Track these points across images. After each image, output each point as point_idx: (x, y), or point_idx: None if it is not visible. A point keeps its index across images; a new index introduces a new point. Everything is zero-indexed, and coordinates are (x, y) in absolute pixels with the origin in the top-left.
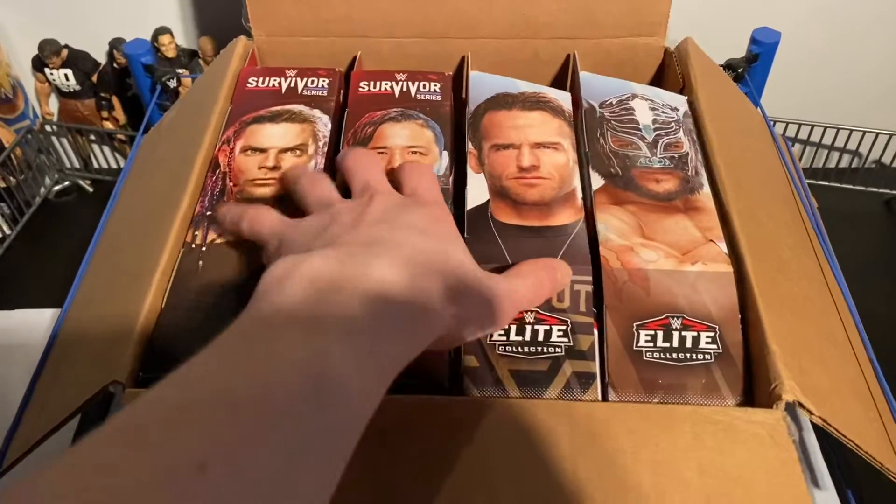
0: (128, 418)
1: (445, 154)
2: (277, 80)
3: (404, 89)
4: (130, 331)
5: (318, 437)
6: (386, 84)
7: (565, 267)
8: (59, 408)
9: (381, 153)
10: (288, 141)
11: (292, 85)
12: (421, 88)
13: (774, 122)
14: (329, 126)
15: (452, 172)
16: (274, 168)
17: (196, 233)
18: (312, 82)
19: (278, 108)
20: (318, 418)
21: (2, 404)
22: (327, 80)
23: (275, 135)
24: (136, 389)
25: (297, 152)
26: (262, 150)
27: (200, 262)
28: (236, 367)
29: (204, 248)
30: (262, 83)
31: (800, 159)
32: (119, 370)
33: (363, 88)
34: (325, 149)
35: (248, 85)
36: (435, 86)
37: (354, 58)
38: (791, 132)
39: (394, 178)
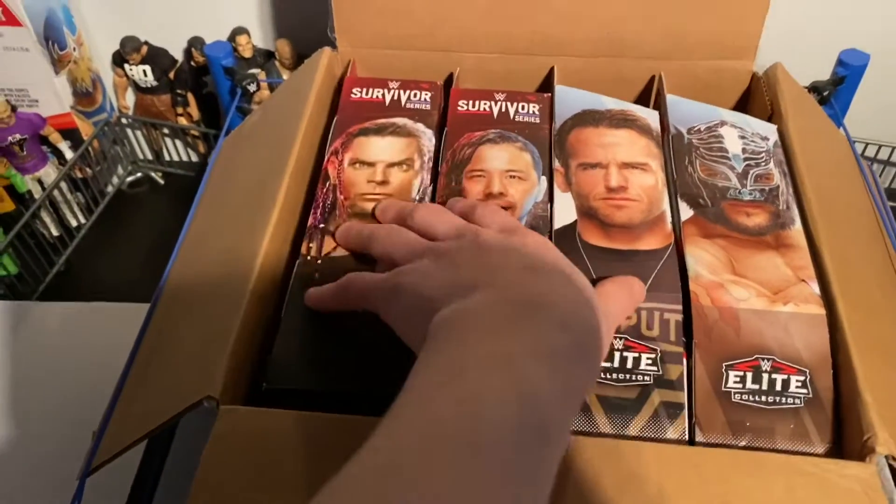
0: (368, 461)
1: (544, 179)
2: (381, 91)
3: (503, 110)
4: (224, 345)
5: (541, 466)
6: (485, 104)
7: (640, 285)
8: (150, 415)
9: (479, 176)
10: (394, 155)
11: (395, 97)
12: (520, 109)
13: (856, 142)
14: (433, 140)
15: (549, 200)
16: (382, 182)
17: (311, 245)
18: (415, 95)
19: (383, 120)
20: (538, 450)
21: (80, 396)
22: (429, 94)
23: (382, 148)
24: (232, 407)
25: (404, 167)
26: (371, 164)
27: (317, 274)
28: (452, 410)
29: (320, 261)
30: (366, 94)
31: (881, 178)
32: (213, 385)
33: (462, 108)
34: (430, 164)
35: (353, 95)
36: (534, 107)
37: (451, 74)
38: (871, 152)
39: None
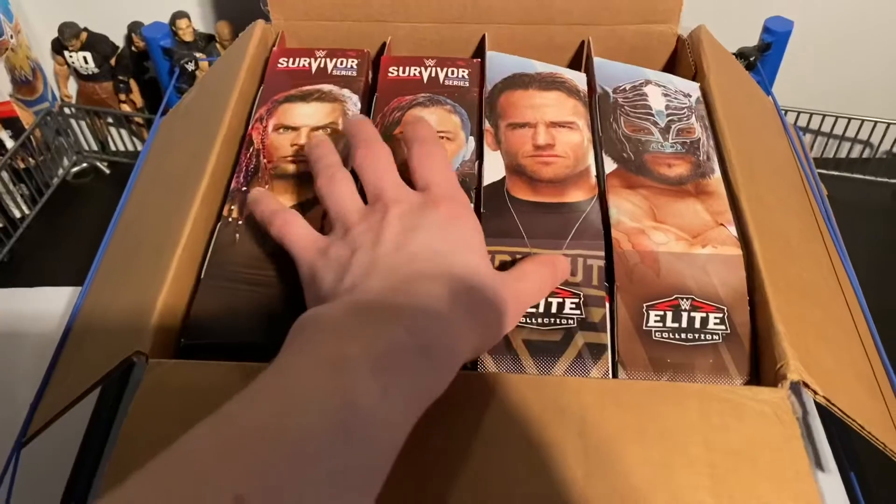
0: (170, 455)
1: (472, 140)
2: (307, 60)
3: (433, 75)
4: (153, 303)
5: (349, 469)
6: (415, 69)
7: (564, 262)
8: (81, 379)
9: None
10: (319, 119)
11: (322, 65)
12: (449, 74)
13: (786, 111)
14: (359, 105)
15: (478, 159)
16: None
17: (232, 207)
18: (342, 63)
19: (309, 87)
20: (347, 453)
21: (21, 379)
22: (356, 61)
23: (306, 114)
24: (161, 360)
25: (328, 130)
26: (295, 129)
27: (237, 235)
28: (270, 407)
29: (241, 222)
30: (293, 63)
31: (811, 149)
32: (142, 342)
33: (392, 73)
34: None
35: (279, 65)
36: (463, 72)
37: (384, 44)
38: (802, 121)
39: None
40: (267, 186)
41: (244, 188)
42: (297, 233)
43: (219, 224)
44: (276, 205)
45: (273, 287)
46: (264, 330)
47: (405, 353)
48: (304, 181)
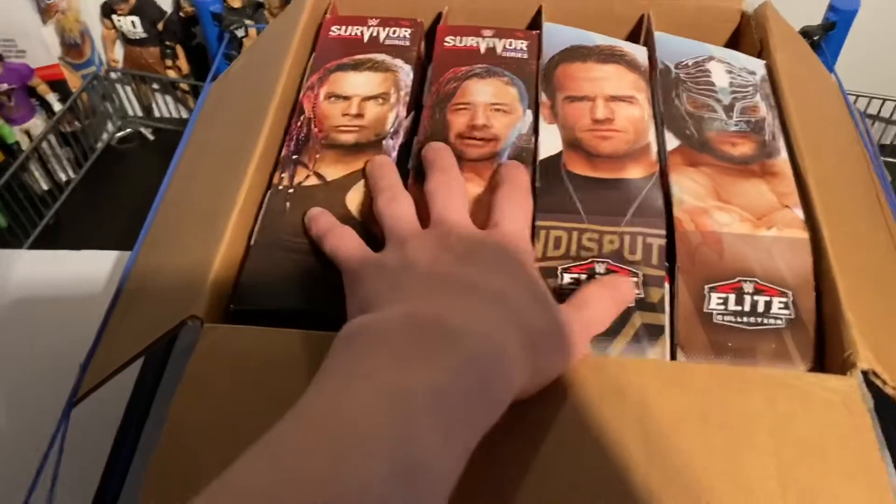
0: (220, 494)
1: (529, 113)
2: (360, 29)
3: (490, 46)
4: (207, 269)
5: None
6: (472, 40)
7: (628, 284)
8: (134, 341)
9: (464, 109)
10: (371, 89)
11: (374, 34)
12: (507, 46)
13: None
14: (411, 76)
15: (535, 132)
16: (357, 115)
17: (283, 175)
18: (394, 32)
19: (361, 56)
20: (405, 501)
21: (68, 342)
22: (409, 31)
23: (358, 83)
24: (215, 325)
25: (380, 100)
26: (346, 98)
27: (288, 204)
28: (326, 450)
29: (291, 190)
30: (345, 32)
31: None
32: (197, 306)
33: (449, 43)
34: (407, 98)
35: (332, 33)
36: (522, 43)
37: (439, 14)
38: (861, 105)
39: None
40: (318, 156)
41: (294, 156)
42: (348, 245)
43: (269, 192)
44: (332, 221)
45: (321, 256)
46: (311, 297)
47: (466, 388)
48: (355, 150)
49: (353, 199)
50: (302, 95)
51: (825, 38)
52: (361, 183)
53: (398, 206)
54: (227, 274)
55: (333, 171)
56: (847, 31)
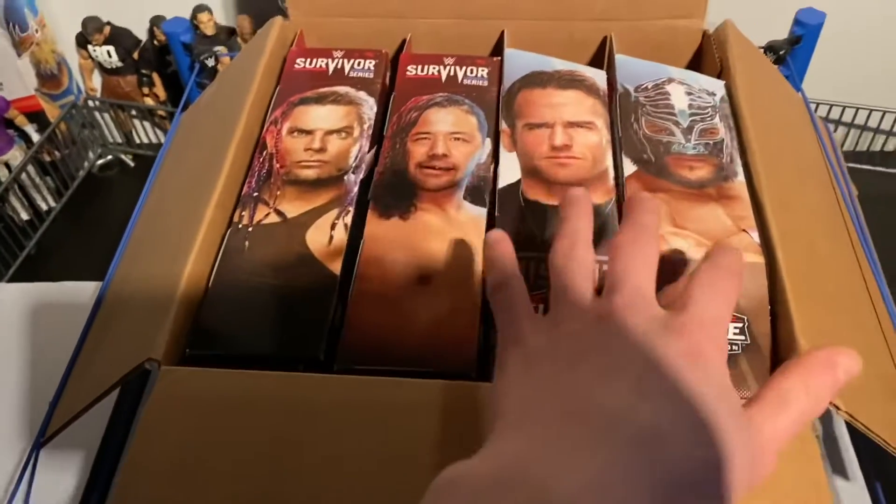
0: None
1: (488, 141)
2: (325, 60)
3: (451, 73)
4: (167, 310)
5: None
6: (433, 68)
7: (851, 358)
8: (98, 382)
9: (424, 138)
10: (334, 123)
11: (339, 66)
12: (468, 73)
13: (817, 104)
14: (374, 109)
15: (494, 161)
16: (320, 150)
17: (243, 213)
18: (359, 64)
19: (325, 89)
20: None
21: (46, 374)
22: (373, 62)
23: (321, 116)
24: (173, 367)
25: (343, 134)
26: (309, 132)
27: (247, 242)
28: None
29: (251, 229)
30: (310, 64)
31: (843, 143)
32: (155, 348)
33: (411, 72)
34: (370, 131)
35: (296, 66)
36: (483, 70)
37: (403, 41)
38: (835, 114)
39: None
40: (279, 192)
41: (255, 193)
42: (520, 305)
43: (228, 230)
44: (513, 268)
45: (282, 296)
46: (267, 340)
47: None
48: (316, 186)
49: (314, 238)
50: (265, 131)
51: (791, 52)
52: (322, 220)
53: (575, 265)
54: (187, 315)
55: (294, 207)
56: (814, 44)
